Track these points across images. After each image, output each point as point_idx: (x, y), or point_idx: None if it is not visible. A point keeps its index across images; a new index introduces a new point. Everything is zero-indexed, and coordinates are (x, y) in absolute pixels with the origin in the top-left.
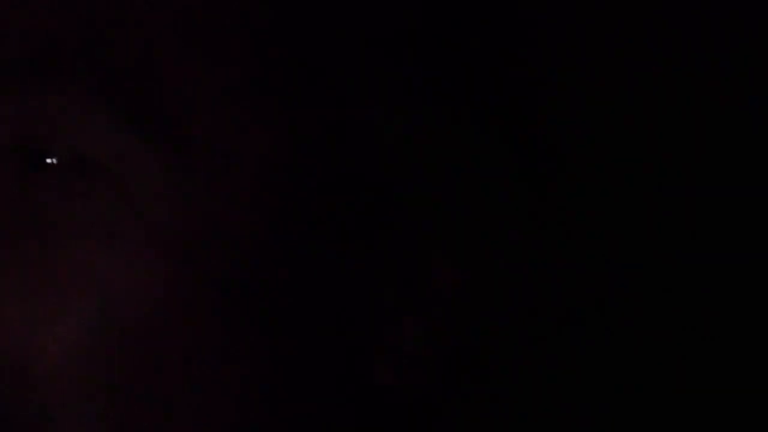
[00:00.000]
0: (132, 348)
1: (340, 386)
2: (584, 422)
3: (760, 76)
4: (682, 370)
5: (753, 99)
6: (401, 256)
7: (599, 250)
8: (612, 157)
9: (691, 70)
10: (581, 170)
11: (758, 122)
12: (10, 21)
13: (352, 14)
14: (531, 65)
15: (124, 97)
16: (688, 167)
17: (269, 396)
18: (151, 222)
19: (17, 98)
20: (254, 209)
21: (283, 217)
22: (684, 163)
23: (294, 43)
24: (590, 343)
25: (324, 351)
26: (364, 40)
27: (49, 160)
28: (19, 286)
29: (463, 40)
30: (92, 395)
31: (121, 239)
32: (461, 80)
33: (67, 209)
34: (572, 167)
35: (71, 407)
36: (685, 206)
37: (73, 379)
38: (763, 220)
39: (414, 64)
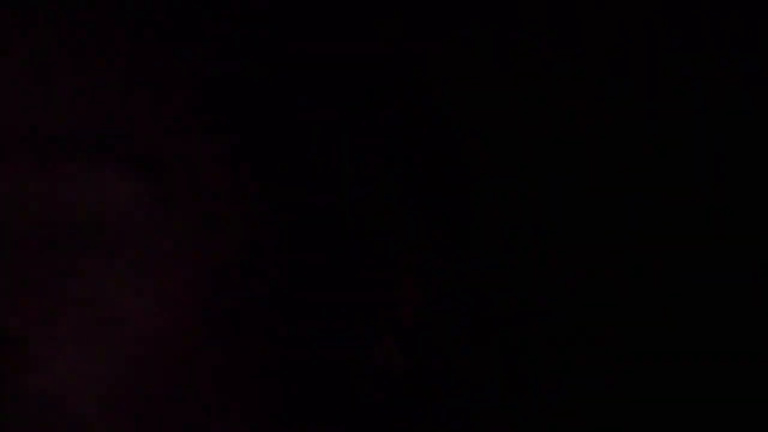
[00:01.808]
0: (160, 377)
1: (330, 396)
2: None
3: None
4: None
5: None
6: (378, 285)
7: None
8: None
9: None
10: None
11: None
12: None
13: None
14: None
15: (136, 165)
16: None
17: (273, 411)
18: (165, 267)
19: (51, 175)
20: (247, 242)
21: (273, 250)
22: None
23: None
24: (549, 347)
25: (315, 365)
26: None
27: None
28: (56, 333)
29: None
30: (125, 425)
31: (143, 285)
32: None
33: (93, 266)
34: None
35: None
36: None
37: (107, 413)
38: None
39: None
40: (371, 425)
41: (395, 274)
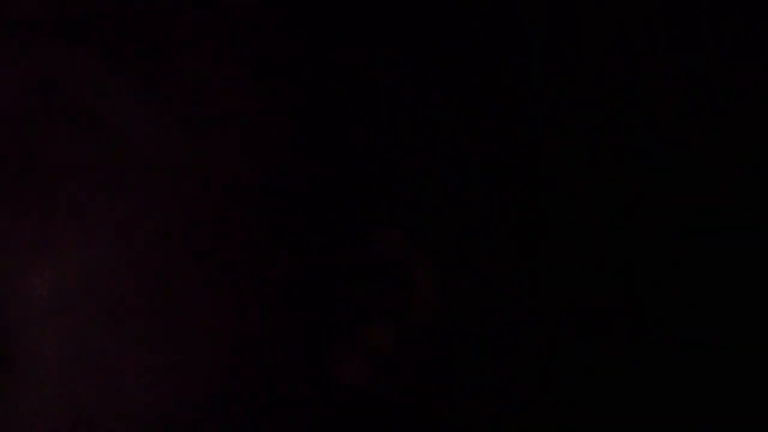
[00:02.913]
0: (120, 283)
1: (305, 382)
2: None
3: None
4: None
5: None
6: (383, 255)
7: (579, 256)
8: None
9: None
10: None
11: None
12: None
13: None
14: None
15: (127, 57)
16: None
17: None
18: (138, 166)
19: (30, 54)
20: (246, 165)
21: (268, 188)
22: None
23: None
24: (568, 349)
25: (291, 343)
26: (363, 42)
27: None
28: (16, 220)
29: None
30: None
31: (112, 180)
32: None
33: (63, 151)
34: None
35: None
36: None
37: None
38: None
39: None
40: (346, 412)
41: (407, 249)
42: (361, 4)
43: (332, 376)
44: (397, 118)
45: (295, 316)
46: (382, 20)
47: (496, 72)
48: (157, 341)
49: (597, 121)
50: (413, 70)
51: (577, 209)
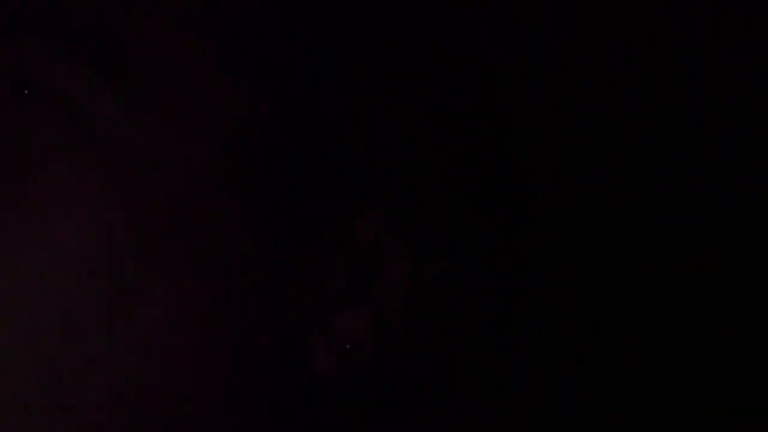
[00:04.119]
0: (85, 275)
1: (273, 371)
2: (530, 421)
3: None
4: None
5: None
6: (358, 244)
7: (553, 248)
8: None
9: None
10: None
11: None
12: None
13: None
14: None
15: (89, 49)
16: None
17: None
18: (107, 152)
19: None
20: (210, 157)
21: (239, 174)
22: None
23: (262, 15)
24: (542, 341)
25: (260, 330)
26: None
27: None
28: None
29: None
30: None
31: (85, 164)
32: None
33: (31, 136)
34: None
35: None
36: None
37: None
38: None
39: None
40: (315, 403)
41: (380, 237)
42: (361, 3)
43: (306, 367)
44: (380, 108)
45: (267, 306)
46: (381, 19)
47: (488, 66)
48: (125, 326)
49: (593, 120)
50: (405, 64)
51: (562, 203)
